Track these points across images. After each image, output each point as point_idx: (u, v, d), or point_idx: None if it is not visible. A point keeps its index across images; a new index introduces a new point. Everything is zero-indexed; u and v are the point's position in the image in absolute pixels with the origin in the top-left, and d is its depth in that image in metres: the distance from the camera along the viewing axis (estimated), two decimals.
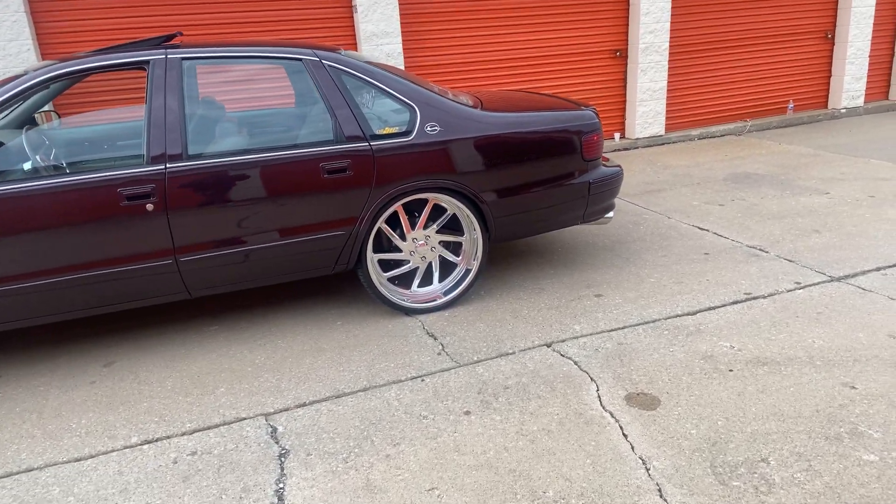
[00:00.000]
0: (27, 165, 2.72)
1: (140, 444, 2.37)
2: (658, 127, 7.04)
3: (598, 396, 2.52)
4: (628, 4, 6.74)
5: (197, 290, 2.90)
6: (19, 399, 2.71)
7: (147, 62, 2.77)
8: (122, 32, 5.21)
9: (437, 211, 3.29)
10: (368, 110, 3.04)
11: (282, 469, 2.20)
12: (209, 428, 2.44)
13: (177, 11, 5.32)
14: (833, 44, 7.84)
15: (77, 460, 2.29)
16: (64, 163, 2.84)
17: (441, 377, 2.72)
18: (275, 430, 2.42)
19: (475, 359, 2.86)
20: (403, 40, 6.01)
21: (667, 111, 7.25)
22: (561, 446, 2.24)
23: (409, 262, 3.30)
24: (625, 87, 7.02)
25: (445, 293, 3.34)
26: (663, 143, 7.10)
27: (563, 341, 2.98)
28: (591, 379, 2.64)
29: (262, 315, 3.38)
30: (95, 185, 2.61)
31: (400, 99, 3.07)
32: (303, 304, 3.50)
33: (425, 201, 3.22)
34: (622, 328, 3.07)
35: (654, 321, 3.12)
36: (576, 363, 2.77)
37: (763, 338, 2.88)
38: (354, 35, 5.85)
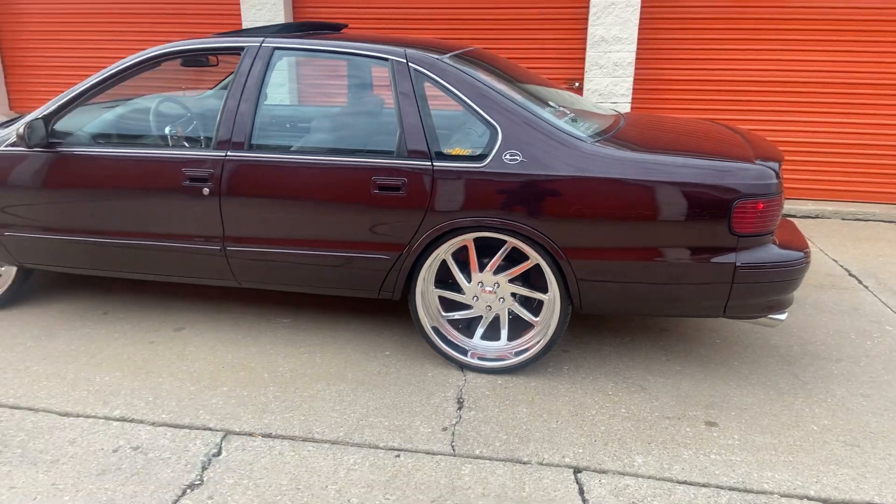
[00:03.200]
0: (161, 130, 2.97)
1: (117, 420, 2.41)
2: None
3: None
4: None
5: (245, 282, 2.87)
6: (80, 341, 3.01)
7: (243, 49, 2.77)
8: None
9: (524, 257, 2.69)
10: (445, 125, 2.58)
11: (181, 493, 2.00)
12: (172, 426, 2.36)
13: None
14: None
15: (51, 412, 2.43)
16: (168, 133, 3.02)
17: (417, 461, 2.20)
18: (218, 453, 2.23)
19: (476, 453, 2.25)
20: (638, 48, 5.17)
21: None
22: None
23: (472, 307, 2.77)
24: None
25: (516, 354, 2.73)
26: None
27: (601, 473, 2.16)
28: None
29: (330, 321, 3.22)
30: (163, 161, 2.73)
31: (483, 117, 2.53)
32: (375, 321, 3.23)
33: (504, 242, 2.64)
34: (703, 485, 2.10)
35: (767, 493, 2.07)
36: None
37: None
38: (585, 39, 5.24)
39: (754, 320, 2.66)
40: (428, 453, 2.25)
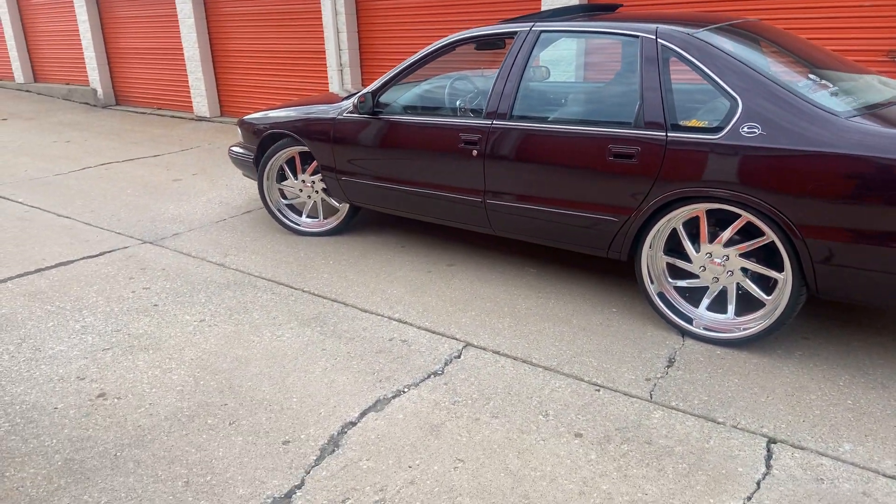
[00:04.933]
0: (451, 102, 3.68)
1: (396, 320, 3.19)
2: None
3: None
4: None
5: (498, 231, 3.41)
6: (382, 263, 3.90)
7: (515, 34, 3.25)
8: None
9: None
10: (687, 97, 2.69)
11: (426, 377, 2.65)
12: (431, 332, 3.04)
13: None
14: None
15: (356, 307, 3.31)
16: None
17: (613, 397, 2.48)
18: (458, 356, 2.83)
19: (672, 404, 2.43)
20: None
21: None
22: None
23: (698, 277, 2.86)
24: None
25: (743, 329, 2.76)
26: None
27: (797, 448, 2.15)
28: (746, 499, 1.93)
29: (569, 276, 3.59)
30: (447, 127, 3.38)
31: (724, 89, 2.58)
32: (610, 282, 3.50)
33: (739, 215, 2.67)
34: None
35: None
36: (765, 472, 2.03)
37: None
38: None
39: None
40: (625, 394, 2.52)
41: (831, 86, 2.65)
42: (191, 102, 9.88)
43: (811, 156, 2.39)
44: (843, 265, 2.41)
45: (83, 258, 4.09)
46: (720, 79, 2.62)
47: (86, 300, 3.48)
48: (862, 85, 2.83)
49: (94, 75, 11.02)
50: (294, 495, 2.03)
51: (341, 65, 7.82)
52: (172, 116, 9.78)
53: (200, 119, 9.47)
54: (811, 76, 2.72)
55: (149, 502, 2.01)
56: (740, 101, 2.56)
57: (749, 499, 1.95)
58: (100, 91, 11.05)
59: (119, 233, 4.56)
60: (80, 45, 11.27)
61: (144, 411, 2.48)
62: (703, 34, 2.79)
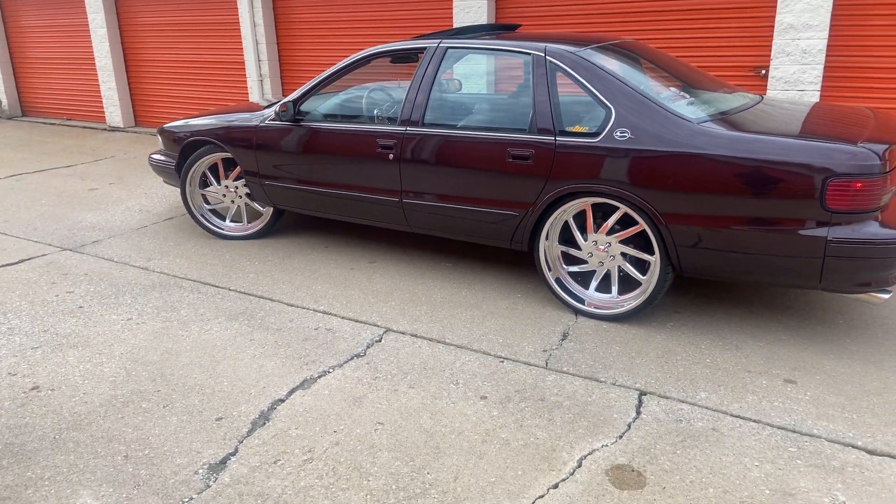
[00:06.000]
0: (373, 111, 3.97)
1: (321, 312, 3.43)
2: None
3: (591, 452, 2.24)
4: None
5: (415, 228, 3.73)
6: (306, 263, 4.13)
7: (424, 49, 3.60)
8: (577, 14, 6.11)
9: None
10: (571, 107, 3.12)
11: (350, 358, 2.91)
12: (354, 321, 3.30)
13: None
14: None
15: (281, 302, 3.53)
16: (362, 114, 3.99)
17: (515, 366, 2.84)
18: (379, 340, 3.11)
19: (563, 369, 2.82)
20: (831, 35, 4.97)
21: None
22: (510, 464, 2.21)
23: (587, 262, 3.28)
24: None
25: (625, 305, 3.19)
26: None
27: (663, 398, 2.58)
28: (618, 437, 2.32)
29: (482, 268, 3.95)
30: (365, 134, 3.67)
31: (600, 100, 3.02)
32: (518, 273, 3.89)
33: (617, 207, 3.11)
34: (752, 420, 2.41)
35: (814, 437, 2.31)
36: (634, 417, 2.43)
37: None
38: (772, 27, 5.18)
39: (857, 297, 2.77)
40: (525, 363, 2.88)
41: (688, 96, 3.15)
42: (103, 113, 9.67)
43: (669, 155, 2.85)
44: (700, 247, 2.88)
45: (1, 266, 4.08)
46: (597, 91, 3.06)
47: (9, 304, 3.51)
48: (716, 96, 3.35)
49: None
50: (229, 461, 2.25)
51: (261, 75, 7.95)
52: (84, 127, 9.53)
53: (114, 129, 9.29)
54: (673, 88, 3.22)
55: (90, 474, 2.17)
56: (613, 110, 3.00)
57: (620, 437, 2.34)
58: (4, 102, 10.58)
59: (36, 241, 4.55)
60: None
61: (79, 400, 2.61)
62: (586, 52, 3.23)
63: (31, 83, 10.55)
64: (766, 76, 5.30)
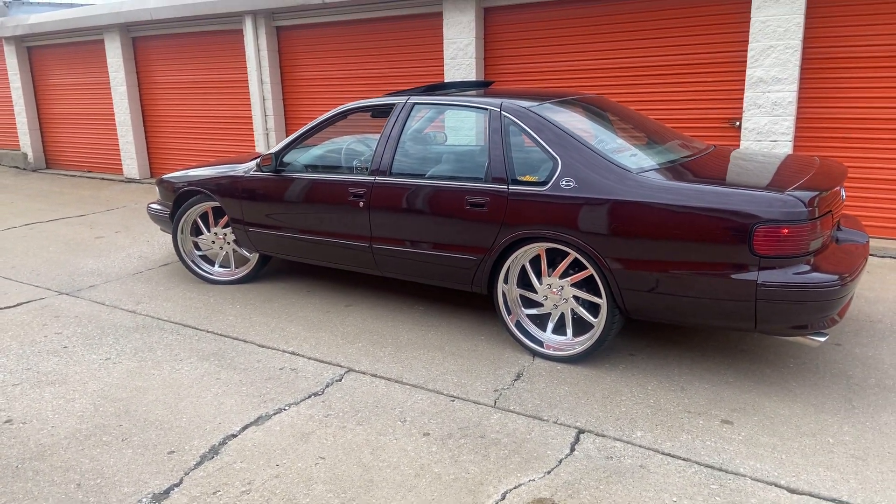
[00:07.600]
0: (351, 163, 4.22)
1: (289, 353, 3.58)
2: None
3: (516, 486, 2.32)
4: None
5: (384, 272, 3.89)
6: (285, 306, 4.31)
7: (394, 105, 3.85)
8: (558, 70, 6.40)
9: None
10: (524, 158, 3.30)
11: (308, 396, 3.04)
12: (318, 361, 3.44)
13: (578, 57, 6.14)
14: None
15: (252, 343, 3.69)
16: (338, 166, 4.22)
17: (464, 405, 2.94)
18: (340, 380, 3.24)
19: (510, 408, 2.91)
20: (801, 87, 5.14)
21: None
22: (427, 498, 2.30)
23: (543, 305, 3.40)
24: None
25: (578, 347, 3.29)
26: None
27: (599, 436, 2.65)
28: (546, 473, 2.40)
29: (452, 313, 4.09)
30: (338, 183, 3.89)
31: (548, 151, 3.21)
32: (485, 317, 4.01)
33: (568, 252, 3.25)
34: (681, 459, 2.47)
35: (739, 476, 2.36)
36: (567, 454, 2.51)
37: None
38: (744, 81, 5.38)
39: (795, 339, 2.85)
40: (475, 402, 2.98)
41: (633, 148, 3.32)
42: (121, 165, 10.17)
43: (609, 203, 3.00)
44: (643, 290, 2.99)
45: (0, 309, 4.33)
46: (545, 143, 3.25)
47: (0, 344, 3.73)
48: (666, 147, 3.52)
49: (26, 139, 11.19)
50: (172, 491, 2.37)
51: (267, 129, 8.35)
52: (102, 178, 10.02)
53: (129, 181, 9.76)
54: (621, 140, 3.39)
55: (43, 500, 2.31)
56: (560, 161, 3.18)
57: (549, 472, 2.42)
58: (30, 155, 11.19)
59: (37, 286, 4.81)
60: (13, 111, 11.46)
61: (47, 433, 2.78)
62: (538, 108, 3.44)
63: (55, 137, 11.16)
64: (739, 128, 5.47)
